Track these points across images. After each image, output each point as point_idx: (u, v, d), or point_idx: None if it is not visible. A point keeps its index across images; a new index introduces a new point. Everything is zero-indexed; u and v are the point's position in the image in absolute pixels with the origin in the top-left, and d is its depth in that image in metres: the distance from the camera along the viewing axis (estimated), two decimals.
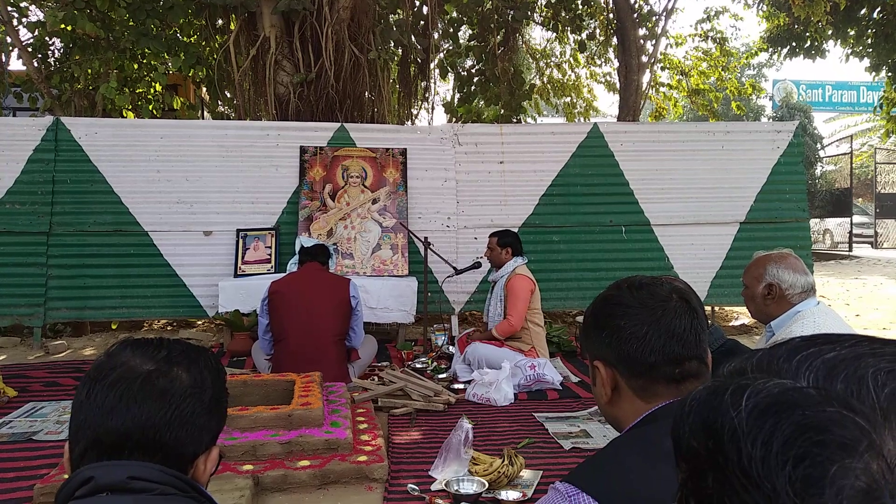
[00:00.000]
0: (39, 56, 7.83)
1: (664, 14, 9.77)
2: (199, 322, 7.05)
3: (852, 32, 11.47)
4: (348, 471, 2.86)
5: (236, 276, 6.08)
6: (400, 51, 9.01)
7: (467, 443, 2.88)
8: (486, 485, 2.72)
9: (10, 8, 7.42)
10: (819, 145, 20.43)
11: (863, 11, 11.06)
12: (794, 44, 12.13)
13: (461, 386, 4.52)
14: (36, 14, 8.07)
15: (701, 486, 0.46)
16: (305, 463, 2.88)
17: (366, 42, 7.40)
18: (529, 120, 11.76)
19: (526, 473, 2.91)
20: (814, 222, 16.88)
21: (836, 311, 2.71)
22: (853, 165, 18.30)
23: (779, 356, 0.50)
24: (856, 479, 0.39)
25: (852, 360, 0.46)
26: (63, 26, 6.98)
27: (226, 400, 1.16)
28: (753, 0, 11.75)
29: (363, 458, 2.95)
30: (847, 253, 16.60)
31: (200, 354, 1.13)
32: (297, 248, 5.67)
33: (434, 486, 2.81)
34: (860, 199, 21.99)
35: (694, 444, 0.48)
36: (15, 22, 7.62)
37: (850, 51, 12.02)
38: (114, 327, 6.78)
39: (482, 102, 10.16)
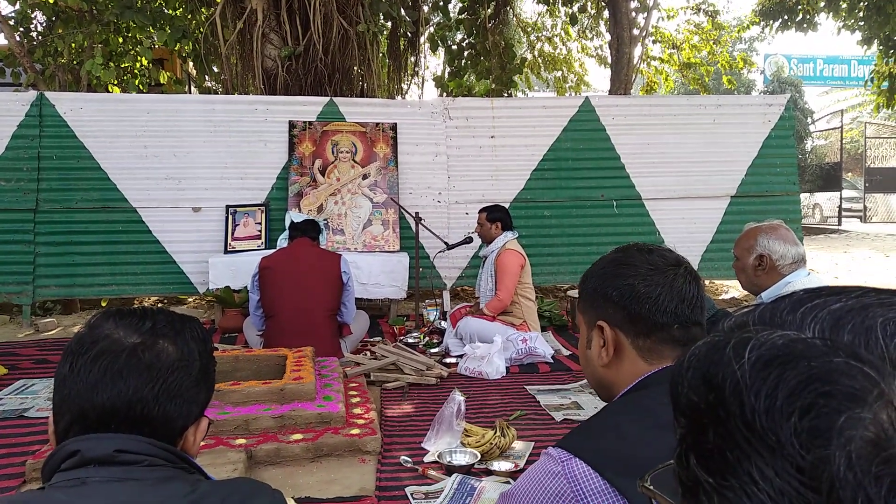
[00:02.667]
0: (21, 30, 7.67)
1: None
2: (190, 299, 7.02)
3: (844, 5, 11.39)
4: (341, 444, 2.86)
5: (226, 252, 6.04)
6: (389, 24, 8.88)
7: (459, 415, 2.89)
8: (479, 456, 2.73)
9: None
10: (809, 120, 20.43)
11: None
12: (785, 17, 12.05)
13: (453, 360, 4.53)
14: None
15: (701, 441, 0.45)
16: (298, 436, 2.89)
17: (354, 15, 7.29)
18: (520, 94, 11.68)
19: (518, 444, 2.93)
20: (803, 197, 16.93)
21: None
22: (843, 140, 18.33)
23: (782, 308, 0.49)
24: (864, 430, 0.38)
25: (859, 311, 0.44)
26: None
27: (213, 370, 1.14)
28: None
29: (356, 430, 2.95)
30: (836, 227, 16.70)
31: (186, 325, 1.10)
32: (287, 224, 5.63)
33: (427, 458, 2.83)
34: (850, 174, 22.07)
35: (694, 399, 0.47)
36: None
37: (842, 24, 11.95)
38: (104, 304, 6.73)
39: (473, 77, 10.06)
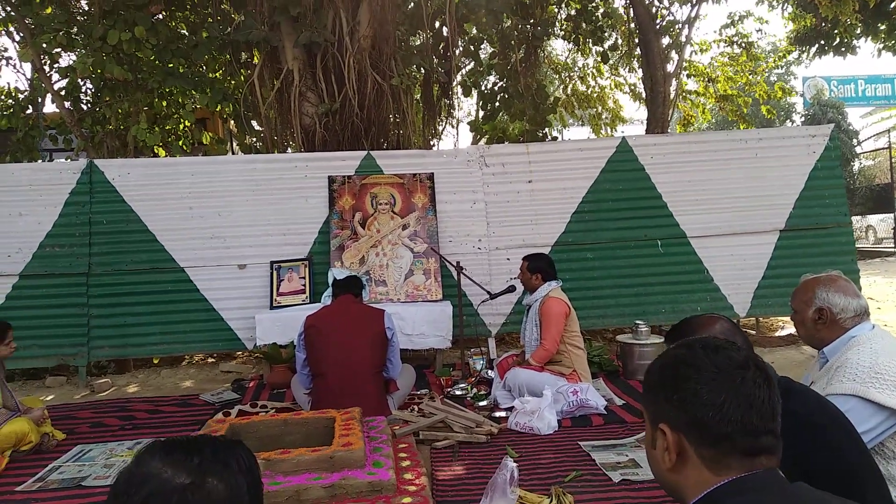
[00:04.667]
0: (72, 98, 8.03)
1: (687, 23, 9.63)
2: (238, 353, 7.10)
3: (883, 27, 11.19)
4: None
5: (272, 307, 6.11)
6: (422, 71, 9.03)
7: (513, 482, 2.81)
8: None
9: (42, 56, 7.63)
10: (855, 141, 19.93)
11: (893, 4, 10.79)
12: (822, 42, 11.88)
13: (503, 414, 4.45)
14: (68, 58, 8.31)
15: None
16: None
17: (387, 68, 7.43)
18: (555, 133, 11.68)
19: None
20: (855, 219, 16.43)
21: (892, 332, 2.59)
22: (892, 159, 17.79)
23: None
24: None
25: None
26: (93, 70, 7.16)
27: (261, 496, 1.12)
28: (778, 1, 11.54)
29: (407, 499, 2.89)
30: (892, 249, 16.12)
31: (232, 455, 1.07)
32: (331, 281, 5.67)
33: None
34: None
35: None
36: (47, 68, 7.83)
37: (881, 45, 11.73)
38: (155, 362, 6.87)
39: (507, 117, 10.12)
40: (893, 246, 16.35)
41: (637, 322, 5.57)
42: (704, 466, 1.13)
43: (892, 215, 16.73)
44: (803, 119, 22.26)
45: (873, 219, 17.69)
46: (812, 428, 1.74)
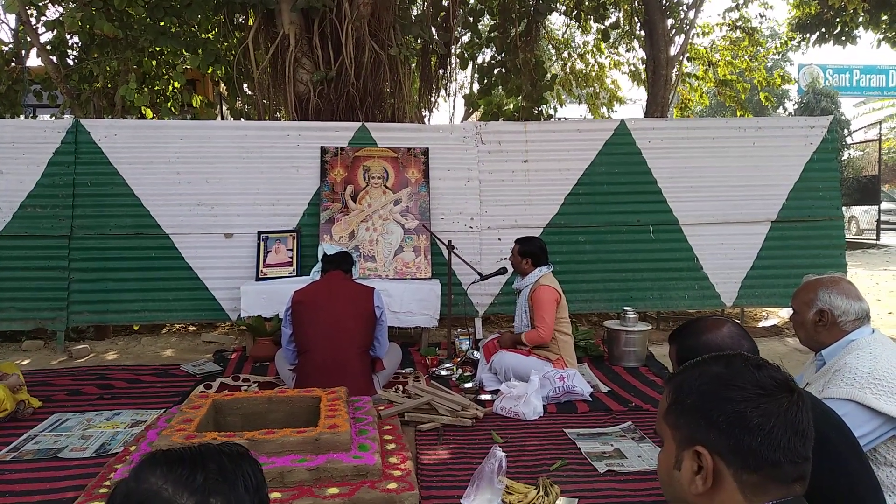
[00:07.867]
0: (58, 53, 7.77)
1: (694, 5, 9.44)
2: (221, 324, 7.01)
3: (885, 17, 11.10)
4: (378, 500, 2.77)
5: (258, 279, 6.02)
6: (419, 42, 8.83)
7: (500, 471, 2.78)
8: None
9: (28, 7, 7.35)
10: (846, 131, 19.95)
11: None
12: (823, 30, 11.78)
13: (488, 397, 4.42)
14: (56, 11, 8.01)
15: None
16: (334, 490, 2.80)
17: (386, 38, 7.25)
18: (551, 111, 11.53)
19: (561, 502, 2.82)
20: None
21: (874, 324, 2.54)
22: (881, 151, 17.82)
23: None
24: None
25: None
26: (81, 24, 6.91)
27: None
28: None
29: (393, 485, 2.86)
30: (874, 241, 16.25)
31: (239, 471, 1.00)
32: (320, 256, 5.58)
33: None
34: (887, 186, 21.49)
35: None
36: (33, 20, 7.56)
37: (881, 36, 11.66)
38: (136, 329, 6.77)
39: (503, 92, 9.96)
40: (875, 238, 16.47)
41: (625, 308, 5.55)
42: (739, 491, 1.08)
43: (875, 207, 16.81)
44: (796, 107, 22.24)
45: (856, 210, 17.78)
46: (818, 438, 1.72)
